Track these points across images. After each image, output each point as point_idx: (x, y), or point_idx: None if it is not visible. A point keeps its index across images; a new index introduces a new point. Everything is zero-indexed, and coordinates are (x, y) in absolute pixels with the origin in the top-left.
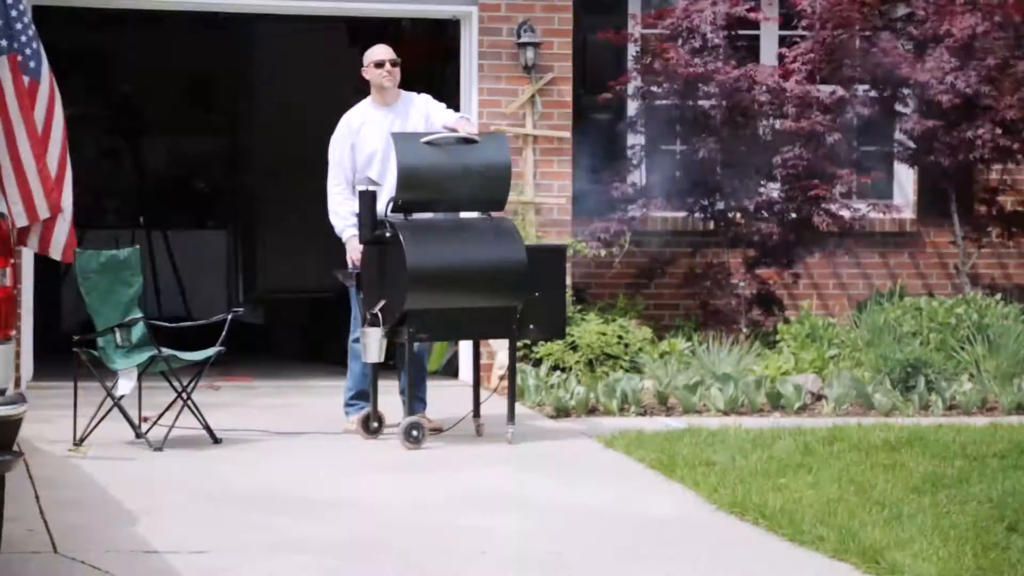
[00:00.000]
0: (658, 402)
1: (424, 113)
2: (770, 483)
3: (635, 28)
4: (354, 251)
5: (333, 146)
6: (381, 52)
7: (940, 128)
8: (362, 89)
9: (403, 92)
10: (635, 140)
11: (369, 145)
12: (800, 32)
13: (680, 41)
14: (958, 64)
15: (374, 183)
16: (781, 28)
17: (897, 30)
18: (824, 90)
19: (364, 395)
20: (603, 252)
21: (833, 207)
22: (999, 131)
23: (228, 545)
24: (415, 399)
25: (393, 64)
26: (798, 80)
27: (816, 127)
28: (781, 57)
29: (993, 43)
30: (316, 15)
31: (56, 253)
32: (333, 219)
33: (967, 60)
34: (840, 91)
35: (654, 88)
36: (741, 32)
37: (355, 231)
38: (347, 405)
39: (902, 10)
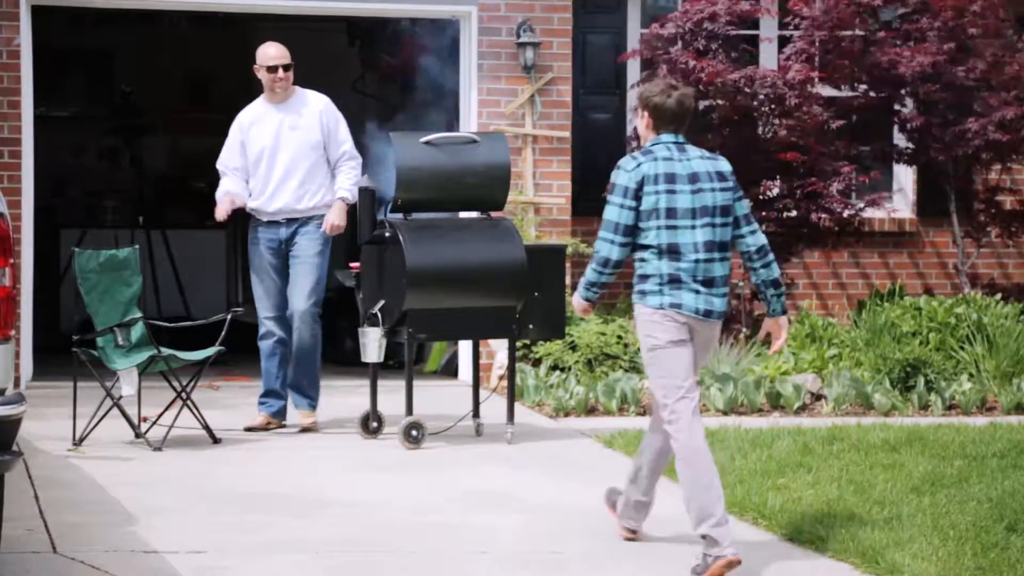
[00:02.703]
0: None
1: (320, 119)
2: (770, 483)
3: (635, 29)
4: (221, 205)
5: (226, 143)
6: (274, 57)
7: (936, 123)
8: (359, 89)
9: (299, 90)
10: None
11: (257, 143)
12: (799, 34)
13: (681, 43)
14: (951, 56)
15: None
16: (780, 30)
17: (894, 30)
18: (822, 89)
19: (272, 393)
20: None
21: (832, 204)
22: (993, 128)
23: (227, 545)
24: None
25: (286, 69)
26: (797, 71)
27: (816, 121)
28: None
29: (986, 41)
30: (316, 15)
31: None
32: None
33: (958, 47)
34: (838, 91)
35: None
36: (742, 32)
37: (228, 187)
38: (259, 403)
39: (899, 10)
